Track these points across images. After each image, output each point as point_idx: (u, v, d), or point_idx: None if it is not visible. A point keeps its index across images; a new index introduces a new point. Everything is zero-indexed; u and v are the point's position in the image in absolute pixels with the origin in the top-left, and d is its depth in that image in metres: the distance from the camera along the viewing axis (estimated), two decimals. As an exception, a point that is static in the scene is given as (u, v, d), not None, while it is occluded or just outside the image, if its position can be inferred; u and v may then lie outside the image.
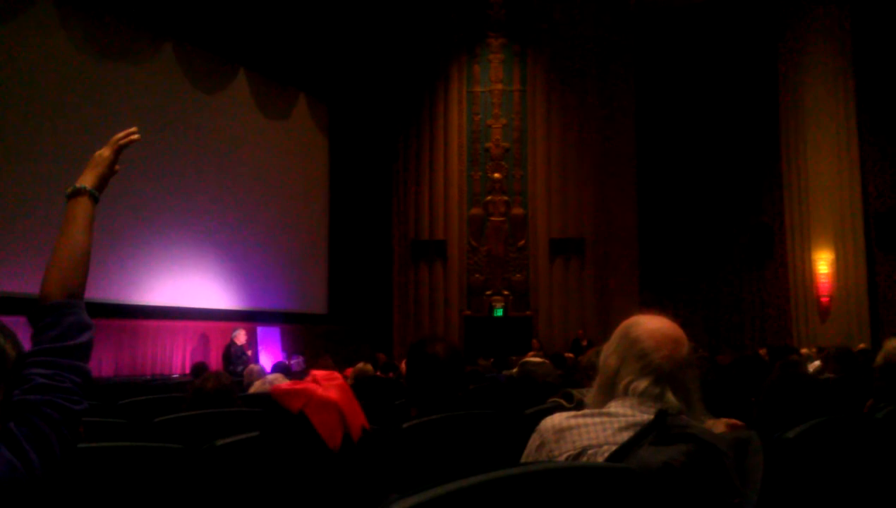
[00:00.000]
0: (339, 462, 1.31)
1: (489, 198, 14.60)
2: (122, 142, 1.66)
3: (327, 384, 1.36)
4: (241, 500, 1.73)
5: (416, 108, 14.87)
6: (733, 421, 1.55)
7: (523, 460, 1.53)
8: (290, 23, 12.35)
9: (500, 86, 14.77)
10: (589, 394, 1.60)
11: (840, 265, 12.76)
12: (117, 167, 1.65)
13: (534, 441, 1.50)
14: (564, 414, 1.48)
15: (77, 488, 1.40)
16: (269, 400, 1.37)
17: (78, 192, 1.53)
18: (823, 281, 12.83)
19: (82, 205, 1.52)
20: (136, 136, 1.69)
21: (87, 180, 1.56)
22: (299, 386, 1.36)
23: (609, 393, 1.52)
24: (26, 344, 1.32)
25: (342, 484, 1.31)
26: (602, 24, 14.47)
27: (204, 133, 11.19)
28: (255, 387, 4.24)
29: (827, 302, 12.79)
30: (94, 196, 1.55)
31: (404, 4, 14.44)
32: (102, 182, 1.59)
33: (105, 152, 1.62)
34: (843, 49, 13.06)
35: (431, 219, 14.66)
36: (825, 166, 12.93)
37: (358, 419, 1.37)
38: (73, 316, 1.34)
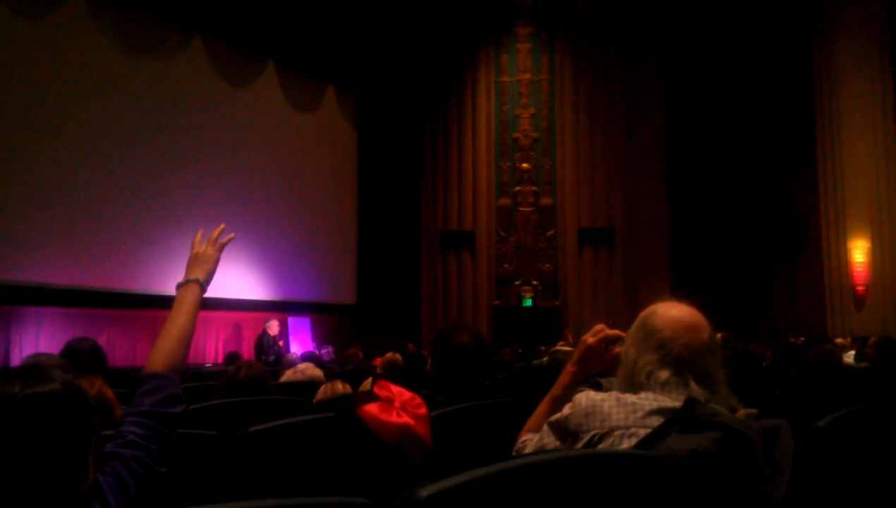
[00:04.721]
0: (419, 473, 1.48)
1: (518, 188, 14.53)
2: (223, 241, 1.87)
3: (414, 412, 1.46)
4: (274, 485, 1.76)
5: (443, 99, 14.83)
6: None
7: (550, 421, 1.55)
8: (317, 14, 12.40)
9: (528, 76, 14.66)
10: (615, 384, 1.61)
11: (876, 253, 12.49)
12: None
13: (564, 411, 1.53)
14: (599, 394, 1.49)
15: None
16: (358, 420, 1.44)
17: (189, 282, 1.71)
18: (859, 269, 12.57)
19: (192, 293, 1.69)
20: (231, 236, 1.92)
21: (198, 273, 1.75)
22: (394, 418, 1.45)
23: (631, 383, 1.52)
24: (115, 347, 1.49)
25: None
26: (631, 10, 14.28)
27: (233, 126, 11.30)
28: (287, 376, 4.30)
29: (863, 291, 12.54)
30: (203, 286, 1.73)
31: (431, -6, 14.41)
32: (210, 275, 1.77)
33: (209, 251, 1.82)
34: (880, 35, 12.72)
35: (460, 210, 14.65)
36: (861, 153, 12.64)
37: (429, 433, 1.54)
38: (172, 389, 1.49)
